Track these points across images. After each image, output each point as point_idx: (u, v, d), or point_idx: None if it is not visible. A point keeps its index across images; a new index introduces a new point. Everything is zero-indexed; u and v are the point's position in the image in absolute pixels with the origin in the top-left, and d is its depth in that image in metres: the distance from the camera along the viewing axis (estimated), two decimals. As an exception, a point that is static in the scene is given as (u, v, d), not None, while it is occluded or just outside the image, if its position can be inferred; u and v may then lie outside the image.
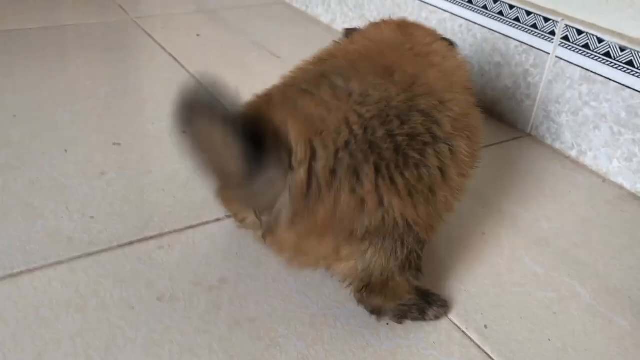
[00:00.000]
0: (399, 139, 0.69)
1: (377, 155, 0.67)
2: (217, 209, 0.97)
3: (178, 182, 1.03)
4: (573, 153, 1.22)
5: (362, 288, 0.75)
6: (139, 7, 1.86)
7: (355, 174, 0.66)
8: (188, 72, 1.46)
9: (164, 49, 1.58)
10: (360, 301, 0.78)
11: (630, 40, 1.08)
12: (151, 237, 0.90)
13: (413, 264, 0.74)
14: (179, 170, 1.06)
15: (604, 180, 1.16)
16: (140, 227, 0.92)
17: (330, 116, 0.68)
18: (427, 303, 0.80)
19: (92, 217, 0.93)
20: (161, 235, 0.91)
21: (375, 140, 0.68)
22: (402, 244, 0.71)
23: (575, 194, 1.11)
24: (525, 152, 1.23)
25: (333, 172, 0.65)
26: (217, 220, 0.95)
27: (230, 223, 0.94)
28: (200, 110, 0.62)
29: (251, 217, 0.74)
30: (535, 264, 0.92)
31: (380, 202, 0.67)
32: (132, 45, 1.60)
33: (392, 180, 0.67)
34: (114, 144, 1.13)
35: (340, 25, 1.78)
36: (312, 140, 0.66)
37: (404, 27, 0.93)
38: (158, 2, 1.96)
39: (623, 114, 1.11)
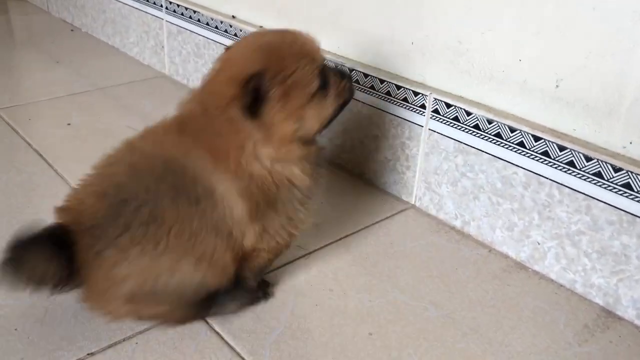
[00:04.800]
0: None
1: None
2: (78, 345, 0.87)
3: (34, 317, 0.93)
4: (457, 223, 1.21)
5: None
6: (3, 97, 1.73)
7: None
8: (55, 171, 1.35)
9: (29, 144, 1.47)
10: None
11: (496, 112, 1.09)
12: (-3, 399, 0.79)
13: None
14: (36, 302, 0.96)
15: (490, 250, 1.15)
16: (-16, 386, 0.81)
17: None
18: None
19: None
20: (9, 393, 0.80)
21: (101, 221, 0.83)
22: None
23: (462, 271, 1.09)
24: (412, 226, 1.21)
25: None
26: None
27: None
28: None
29: None
30: (424, 364, 0.89)
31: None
32: (-7, 144, 1.47)
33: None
34: (-38, 276, 1.01)
35: (222, 98, 1.72)
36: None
37: None
38: (26, 88, 1.84)
39: (499, 185, 1.11)
